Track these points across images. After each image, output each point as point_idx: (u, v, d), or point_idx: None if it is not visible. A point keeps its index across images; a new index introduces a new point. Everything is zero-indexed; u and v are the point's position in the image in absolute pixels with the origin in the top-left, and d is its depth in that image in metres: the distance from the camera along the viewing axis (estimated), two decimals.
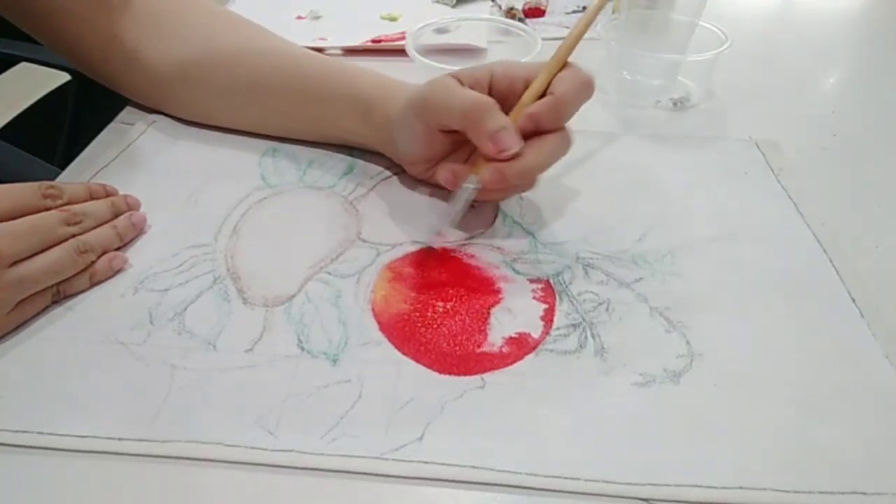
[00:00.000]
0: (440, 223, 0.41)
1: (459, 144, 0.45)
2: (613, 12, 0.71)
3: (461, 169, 0.42)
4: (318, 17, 0.75)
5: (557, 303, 0.39)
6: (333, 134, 0.51)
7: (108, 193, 0.44)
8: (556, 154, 0.41)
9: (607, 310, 0.39)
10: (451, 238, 0.44)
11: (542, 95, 0.41)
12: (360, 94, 0.47)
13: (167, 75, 0.52)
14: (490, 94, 0.42)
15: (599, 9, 0.43)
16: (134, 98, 0.57)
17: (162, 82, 0.53)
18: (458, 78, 0.42)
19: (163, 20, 0.52)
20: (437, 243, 0.41)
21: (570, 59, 0.41)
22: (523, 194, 0.47)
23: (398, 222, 0.45)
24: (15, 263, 0.36)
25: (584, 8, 0.77)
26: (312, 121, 0.51)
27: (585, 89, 0.41)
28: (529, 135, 0.40)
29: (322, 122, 0.50)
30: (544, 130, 0.40)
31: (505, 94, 0.41)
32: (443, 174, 0.43)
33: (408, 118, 0.44)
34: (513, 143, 0.39)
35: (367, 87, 0.47)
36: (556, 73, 0.41)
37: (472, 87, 0.41)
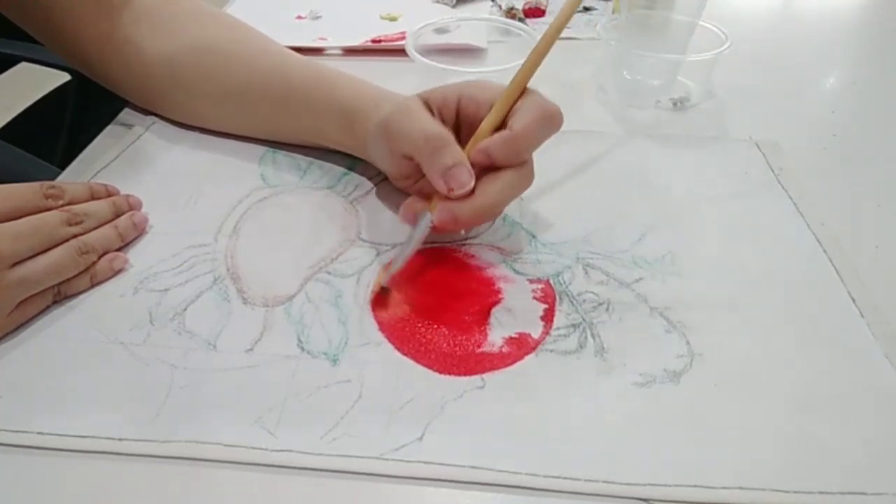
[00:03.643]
0: (394, 258, 0.40)
1: None
2: (613, 12, 0.71)
3: (421, 207, 0.40)
4: (318, 17, 0.75)
5: (557, 303, 0.39)
6: (320, 142, 0.50)
7: (110, 193, 0.44)
8: (512, 192, 0.39)
9: (607, 310, 0.39)
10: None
11: (505, 123, 0.39)
12: (342, 105, 0.46)
13: (160, 76, 0.52)
14: (458, 117, 0.41)
15: (558, 32, 0.40)
16: (130, 98, 0.57)
17: (157, 83, 0.53)
18: (427, 100, 0.40)
19: (160, 19, 0.52)
20: (390, 276, 0.40)
21: (536, 88, 0.39)
22: (523, 194, 0.47)
23: (398, 222, 0.45)
24: (16, 264, 0.36)
25: (586, 8, 0.77)
26: (296, 128, 0.50)
27: (548, 123, 0.38)
28: (485, 169, 0.38)
29: (306, 131, 0.50)
30: (502, 165, 0.38)
31: (471, 120, 0.40)
32: (402, 214, 0.42)
33: (376, 140, 0.43)
34: (464, 182, 0.37)
35: (349, 99, 0.46)
36: (514, 102, 0.39)
37: (440, 110, 0.40)
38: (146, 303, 0.39)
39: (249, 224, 0.45)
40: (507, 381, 0.35)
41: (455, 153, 0.38)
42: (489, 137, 0.38)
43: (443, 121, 0.40)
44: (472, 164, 0.38)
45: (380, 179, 0.49)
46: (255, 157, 0.52)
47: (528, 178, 0.40)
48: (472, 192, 0.38)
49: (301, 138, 0.51)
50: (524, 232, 0.45)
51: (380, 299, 0.39)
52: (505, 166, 0.38)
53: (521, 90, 0.39)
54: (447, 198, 0.38)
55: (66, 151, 0.83)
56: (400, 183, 0.46)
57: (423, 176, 0.42)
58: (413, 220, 0.41)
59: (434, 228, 0.40)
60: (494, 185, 0.38)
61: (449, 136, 0.38)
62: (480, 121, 0.39)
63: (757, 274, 0.41)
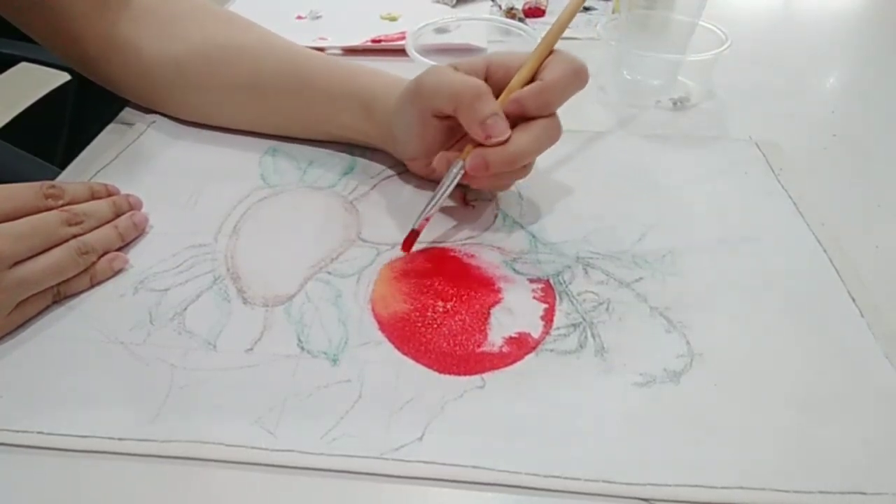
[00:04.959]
0: (426, 208, 0.41)
1: (455, 133, 0.44)
2: (613, 12, 0.71)
3: (454, 156, 0.42)
4: (318, 17, 0.75)
5: (557, 303, 0.39)
6: (334, 132, 0.51)
7: (110, 193, 0.44)
8: (542, 141, 0.41)
9: (607, 310, 0.39)
10: (444, 234, 0.43)
11: (534, 80, 0.41)
12: (362, 90, 0.47)
13: (165, 75, 0.52)
14: (486, 83, 0.42)
15: None
16: (131, 98, 0.57)
17: (159, 82, 0.53)
18: (455, 66, 0.42)
19: (161, 19, 0.52)
20: (422, 219, 0.41)
21: (564, 49, 0.41)
22: (523, 194, 0.47)
23: (398, 222, 0.45)
24: (16, 264, 0.36)
25: (586, 8, 0.77)
26: (313, 119, 0.50)
27: (576, 77, 0.41)
28: (516, 120, 0.40)
29: (323, 120, 0.50)
30: (532, 117, 0.40)
31: (500, 84, 0.42)
32: (436, 162, 0.43)
33: (403, 106, 0.44)
34: (502, 131, 0.39)
35: (368, 84, 0.47)
36: (543, 60, 0.41)
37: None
38: (146, 303, 0.39)
39: (249, 224, 0.45)
40: (507, 380, 0.35)
41: (493, 103, 0.40)
42: (521, 89, 0.40)
43: None
44: (505, 115, 0.40)
45: (380, 179, 0.49)
46: (256, 157, 0.52)
47: (557, 130, 0.42)
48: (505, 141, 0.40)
49: (315, 129, 0.51)
50: (524, 232, 0.45)
51: (409, 241, 0.42)
52: (535, 117, 0.40)
53: (549, 49, 0.42)
54: (481, 146, 0.40)
55: (66, 151, 0.83)
56: (418, 162, 0.47)
57: (447, 146, 0.44)
58: (446, 169, 0.42)
59: (466, 175, 0.41)
60: (526, 135, 0.40)
61: (486, 86, 0.40)
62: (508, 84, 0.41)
63: (757, 274, 0.41)
